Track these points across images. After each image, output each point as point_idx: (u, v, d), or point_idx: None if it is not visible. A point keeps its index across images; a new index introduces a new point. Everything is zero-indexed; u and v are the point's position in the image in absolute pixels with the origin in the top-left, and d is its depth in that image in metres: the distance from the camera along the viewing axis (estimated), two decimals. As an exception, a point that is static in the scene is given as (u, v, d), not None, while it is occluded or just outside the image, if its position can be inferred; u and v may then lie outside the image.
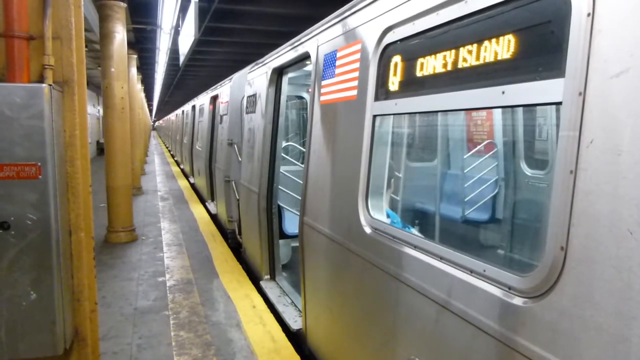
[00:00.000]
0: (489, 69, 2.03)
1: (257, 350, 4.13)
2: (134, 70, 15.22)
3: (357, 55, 3.15)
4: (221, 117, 9.00)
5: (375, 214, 2.97)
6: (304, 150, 4.80)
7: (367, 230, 2.91)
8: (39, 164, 2.43)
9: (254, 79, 6.36)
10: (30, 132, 2.41)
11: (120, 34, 8.06)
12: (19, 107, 2.39)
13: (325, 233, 3.52)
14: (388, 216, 3.15)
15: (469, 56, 2.13)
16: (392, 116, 3.05)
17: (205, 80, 24.91)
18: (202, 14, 9.87)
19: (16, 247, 2.42)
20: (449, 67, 2.26)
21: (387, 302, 2.67)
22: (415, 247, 2.44)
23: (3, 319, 2.45)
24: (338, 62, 3.45)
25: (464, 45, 2.16)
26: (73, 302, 2.75)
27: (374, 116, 2.95)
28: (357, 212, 3.01)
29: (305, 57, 4.35)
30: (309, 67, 4.32)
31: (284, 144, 4.88)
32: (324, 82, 3.69)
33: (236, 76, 7.98)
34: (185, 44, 10.48)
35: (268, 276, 5.67)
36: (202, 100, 12.77)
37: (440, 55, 2.32)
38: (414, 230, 3.42)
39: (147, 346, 4.25)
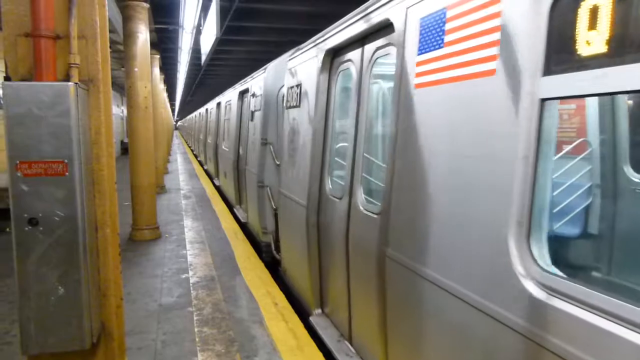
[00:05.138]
0: None
1: (279, 346, 4.14)
2: (156, 70, 15.40)
3: (497, 7, 2.09)
4: (252, 113, 8.00)
5: (547, 262, 1.87)
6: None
7: (532, 289, 1.83)
8: (66, 161, 2.47)
9: (296, 66, 5.20)
10: (58, 130, 2.45)
11: (143, 34, 8.16)
12: (46, 105, 2.43)
13: (431, 279, 2.47)
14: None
15: None
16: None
17: (227, 79, 25.12)
18: (223, 13, 9.93)
19: (44, 243, 2.47)
20: None
21: None
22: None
23: (32, 313, 2.50)
24: (448, 26, 2.44)
25: None
26: (99, 298, 2.79)
27: (543, 100, 1.87)
28: (507, 257, 1.95)
29: (381, 27, 3.31)
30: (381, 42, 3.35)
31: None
32: (420, 58, 2.68)
33: (271, 65, 7.07)
34: (207, 43, 10.57)
35: (319, 310, 4.46)
36: (229, 96, 11.62)
37: None
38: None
39: (171, 342, 4.30)
